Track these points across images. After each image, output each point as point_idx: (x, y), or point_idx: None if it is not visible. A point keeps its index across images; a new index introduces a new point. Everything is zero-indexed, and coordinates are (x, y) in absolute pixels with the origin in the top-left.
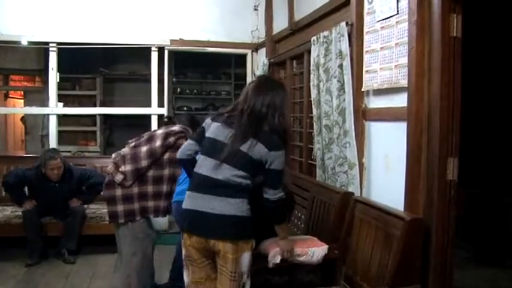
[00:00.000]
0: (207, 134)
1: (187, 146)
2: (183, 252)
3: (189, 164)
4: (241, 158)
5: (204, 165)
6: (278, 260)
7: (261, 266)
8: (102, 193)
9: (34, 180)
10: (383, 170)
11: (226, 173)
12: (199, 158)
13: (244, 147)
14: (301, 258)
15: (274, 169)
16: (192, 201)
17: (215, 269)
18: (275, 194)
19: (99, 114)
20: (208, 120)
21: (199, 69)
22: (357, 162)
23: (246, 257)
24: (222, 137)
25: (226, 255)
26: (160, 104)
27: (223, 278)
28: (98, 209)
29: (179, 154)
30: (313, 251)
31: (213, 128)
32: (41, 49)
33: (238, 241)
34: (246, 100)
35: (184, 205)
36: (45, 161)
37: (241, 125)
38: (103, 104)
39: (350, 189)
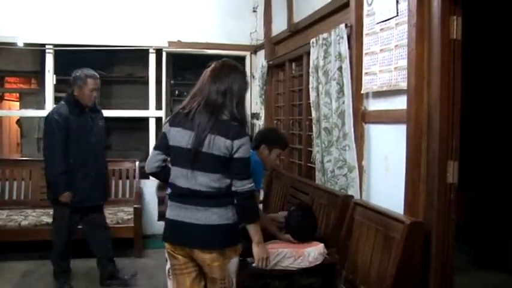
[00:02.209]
0: (171, 143)
1: (152, 158)
2: (168, 262)
3: (160, 174)
4: (206, 160)
5: (178, 177)
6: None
7: (260, 270)
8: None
9: (69, 116)
10: (383, 173)
11: (201, 180)
12: (172, 168)
13: (204, 148)
14: (298, 261)
15: (240, 157)
16: (174, 211)
17: (200, 277)
18: (243, 185)
19: None
20: (166, 126)
21: (198, 71)
22: (356, 165)
23: (233, 263)
24: (183, 142)
25: (213, 263)
26: (158, 107)
27: (213, 287)
28: None
29: (147, 168)
30: (309, 251)
31: (173, 135)
32: (36, 50)
33: (225, 249)
34: (202, 90)
35: (167, 215)
36: (86, 78)
37: (198, 122)
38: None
39: (349, 192)
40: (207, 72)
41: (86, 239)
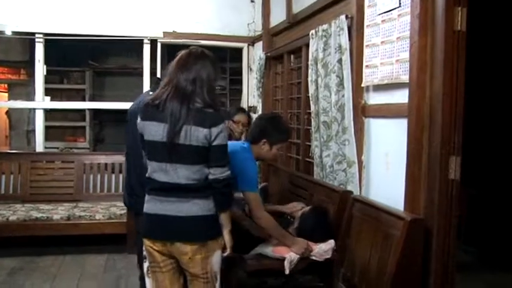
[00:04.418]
0: (145, 137)
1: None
2: (147, 259)
3: None
4: (184, 152)
5: (156, 171)
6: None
7: (256, 267)
8: None
9: None
10: (383, 168)
11: (182, 173)
12: (149, 163)
13: (181, 139)
14: (314, 253)
15: (218, 144)
16: (154, 205)
17: (179, 274)
18: (223, 172)
19: (89, 109)
20: (139, 121)
21: None
22: (355, 160)
23: (217, 256)
24: (158, 136)
25: (195, 256)
26: None
27: (196, 284)
28: (87, 208)
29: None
30: (320, 245)
31: (147, 129)
32: (26, 39)
33: (207, 241)
34: (171, 80)
35: (146, 209)
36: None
37: (170, 112)
38: (92, 99)
39: (349, 188)
40: (174, 62)
41: None
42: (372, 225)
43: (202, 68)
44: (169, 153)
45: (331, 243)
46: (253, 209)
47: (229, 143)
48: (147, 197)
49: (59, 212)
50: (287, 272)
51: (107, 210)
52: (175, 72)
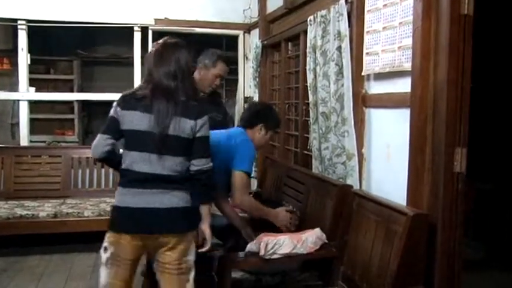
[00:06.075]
0: (125, 127)
1: (101, 143)
2: (108, 250)
3: (110, 160)
4: (173, 143)
5: (137, 162)
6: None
7: (252, 265)
8: None
9: None
10: (384, 161)
11: (166, 164)
12: (128, 154)
13: (170, 130)
14: (298, 246)
15: (203, 136)
16: (132, 198)
17: (134, 270)
18: (207, 163)
19: (77, 101)
20: (118, 109)
21: None
22: (355, 153)
23: (193, 247)
24: (143, 125)
25: (177, 247)
26: None
27: (168, 276)
28: (75, 204)
29: (95, 153)
30: (307, 236)
31: (128, 118)
32: (8, 27)
33: (188, 232)
34: (151, 75)
35: (122, 203)
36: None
37: (157, 108)
38: (81, 90)
39: (348, 182)
40: (151, 54)
41: None
42: (373, 221)
43: (180, 57)
44: (159, 144)
45: (316, 232)
46: (237, 189)
47: (225, 130)
48: (122, 190)
49: (45, 209)
50: (261, 253)
51: (96, 207)
52: (154, 66)
